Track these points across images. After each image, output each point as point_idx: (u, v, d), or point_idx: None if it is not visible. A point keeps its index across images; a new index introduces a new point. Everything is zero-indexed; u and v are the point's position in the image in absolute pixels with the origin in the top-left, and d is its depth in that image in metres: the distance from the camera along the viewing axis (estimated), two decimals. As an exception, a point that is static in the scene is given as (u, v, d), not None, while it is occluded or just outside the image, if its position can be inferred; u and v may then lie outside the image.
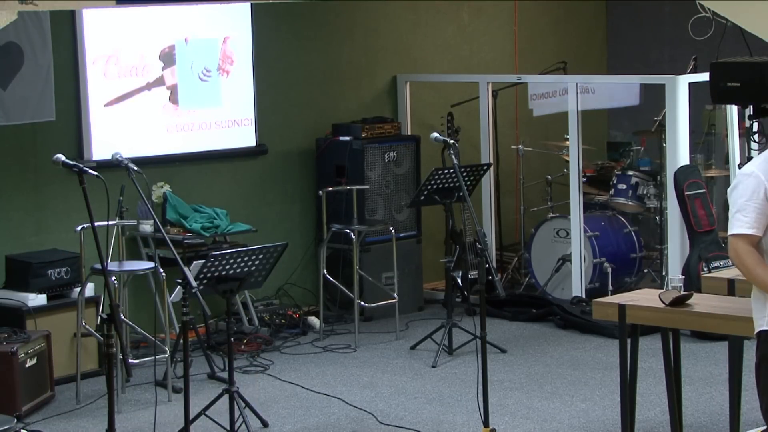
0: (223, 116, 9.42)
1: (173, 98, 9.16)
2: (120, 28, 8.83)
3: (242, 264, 6.61)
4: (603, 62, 11.91)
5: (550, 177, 10.30)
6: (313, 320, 9.33)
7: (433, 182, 8.46)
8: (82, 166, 5.56)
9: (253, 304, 9.10)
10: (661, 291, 5.98)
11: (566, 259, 9.74)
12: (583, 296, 9.51)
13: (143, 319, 8.22)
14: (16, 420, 6.73)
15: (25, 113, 8.34)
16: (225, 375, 7.39)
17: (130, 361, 7.61)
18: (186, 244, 8.64)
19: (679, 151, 9.01)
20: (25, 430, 6.88)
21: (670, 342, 6.11)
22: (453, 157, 6.87)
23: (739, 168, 7.01)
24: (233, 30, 9.42)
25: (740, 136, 9.22)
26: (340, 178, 9.60)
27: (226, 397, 6.79)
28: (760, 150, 8.00)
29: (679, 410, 6.22)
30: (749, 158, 8.37)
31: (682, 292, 5.84)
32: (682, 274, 8.19)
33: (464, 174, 8.62)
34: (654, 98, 10.06)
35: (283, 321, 9.21)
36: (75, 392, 7.67)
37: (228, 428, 6.78)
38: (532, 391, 7.69)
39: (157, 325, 7.85)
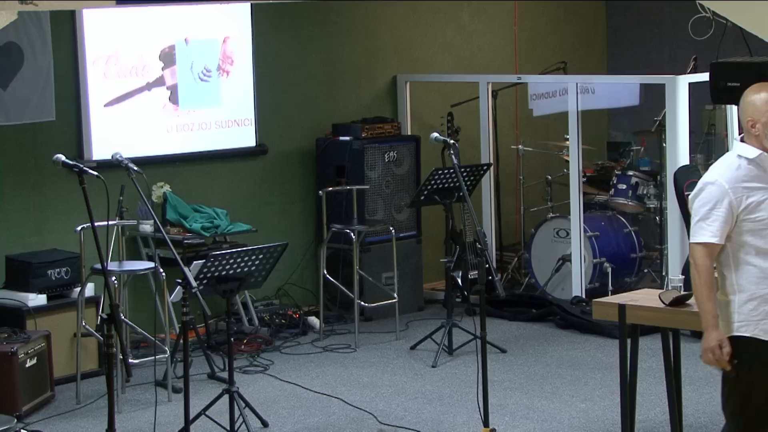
0: (223, 116, 9.42)
1: (173, 98, 9.16)
2: (120, 28, 8.83)
3: (242, 264, 6.61)
4: (603, 62, 11.92)
5: (550, 177, 10.30)
6: (313, 320, 9.33)
7: (433, 182, 8.45)
8: (82, 166, 5.56)
9: (253, 304, 9.10)
10: (661, 291, 5.98)
11: (566, 259, 9.73)
12: (583, 296, 9.51)
13: (143, 319, 8.22)
14: (16, 420, 6.75)
15: (25, 113, 8.34)
16: (225, 375, 7.38)
17: (130, 361, 7.61)
18: (186, 244, 8.64)
19: (679, 151, 9.01)
20: (25, 430, 6.89)
21: (670, 342, 6.12)
22: (453, 157, 6.86)
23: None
24: (233, 30, 9.42)
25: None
26: (340, 178, 9.60)
27: (226, 397, 6.79)
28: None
29: (679, 410, 6.22)
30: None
31: (682, 292, 5.84)
32: (682, 274, 8.18)
33: (464, 174, 8.61)
34: (654, 98, 10.06)
35: (283, 321, 9.21)
36: (75, 392, 7.67)
37: (228, 428, 6.78)
38: (532, 391, 7.69)
39: (157, 325, 7.84)
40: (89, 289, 7.96)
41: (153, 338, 7.61)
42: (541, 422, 7.09)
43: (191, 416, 6.53)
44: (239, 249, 6.70)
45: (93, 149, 8.69)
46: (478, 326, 6.45)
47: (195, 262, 6.64)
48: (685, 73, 9.39)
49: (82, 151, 8.67)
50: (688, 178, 8.90)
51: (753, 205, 4.96)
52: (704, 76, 8.07)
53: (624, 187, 9.93)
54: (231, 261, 6.56)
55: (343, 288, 9.20)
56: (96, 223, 5.44)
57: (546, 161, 10.71)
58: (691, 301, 5.82)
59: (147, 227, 8.49)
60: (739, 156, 5.04)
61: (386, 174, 9.75)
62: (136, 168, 6.27)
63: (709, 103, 9.12)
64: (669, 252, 9.19)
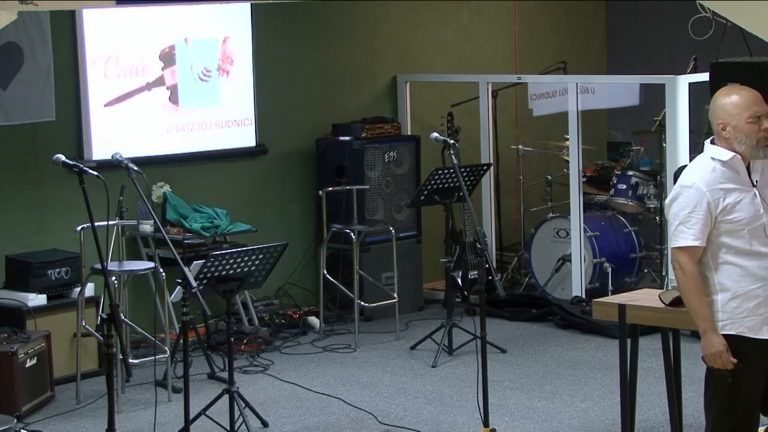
0: (223, 116, 9.42)
1: (173, 98, 9.16)
2: (120, 28, 8.83)
3: (242, 264, 6.61)
4: (603, 62, 11.92)
5: (550, 177, 10.30)
6: (313, 320, 9.33)
7: (433, 182, 8.45)
8: (82, 166, 5.56)
9: (253, 304, 9.10)
10: (661, 291, 5.98)
11: (566, 259, 9.74)
12: (583, 296, 9.51)
13: (143, 319, 8.22)
14: (16, 420, 6.75)
15: (25, 113, 8.34)
16: (225, 375, 7.39)
17: (130, 361, 7.61)
18: (186, 244, 8.64)
19: (679, 151, 9.01)
20: (25, 430, 6.89)
21: (670, 342, 6.11)
22: (453, 157, 6.86)
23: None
24: (233, 30, 9.42)
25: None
26: (340, 178, 9.60)
27: (226, 397, 6.79)
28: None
29: (679, 410, 6.22)
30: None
31: (682, 293, 5.84)
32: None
33: (464, 174, 8.61)
34: (654, 98, 10.06)
35: (283, 321, 9.21)
36: (75, 392, 7.67)
37: (228, 428, 6.78)
38: (532, 391, 7.69)
39: (157, 325, 7.84)
40: (89, 289, 7.96)
41: (153, 338, 7.61)
42: (541, 422, 7.09)
43: (191, 416, 6.53)
44: (239, 249, 6.70)
45: (93, 149, 8.69)
46: (478, 326, 6.45)
47: (195, 262, 6.64)
48: (685, 73, 9.40)
49: (82, 151, 8.67)
50: (688, 178, 8.90)
51: (729, 206, 5.02)
52: (704, 76, 8.07)
53: (624, 187, 9.93)
54: (231, 261, 6.56)
55: (343, 288, 9.20)
56: (96, 223, 5.44)
57: (546, 161, 10.71)
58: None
59: (147, 227, 8.49)
60: (713, 158, 5.11)
61: (386, 174, 9.75)
62: (136, 168, 6.28)
63: (709, 103, 9.10)
64: (669, 252, 9.17)
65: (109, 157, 6.52)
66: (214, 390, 7.32)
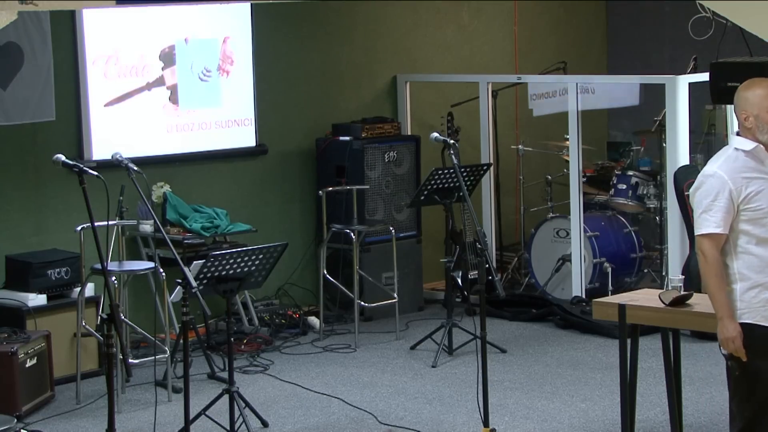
0: (223, 116, 9.42)
1: (173, 98, 9.16)
2: (120, 28, 8.83)
3: (242, 264, 6.61)
4: (603, 62, 11.91)
5: (550, 177, 10.30)
6: (313, 320, 9.33)
7: (433, 182, 8.45)
8: (82, 166, 5.56)
9: (253, 304, 9.10)
10: (661, 291, 5.98)
11: (566, 259, 9.73)
12: (583, 296, 9.51)
13: (143, 319, 8.22)
14: (16, 420, 6.75)
15: (25, 113, 8.34)
16: (225, 375, 7.39)
17: (130, 361, 7.61)
18: (186, 244, 8.64)
19: (679, 151, 9.01)
20: (25, 430, 6.89)
21: (670, 342, 6.12)
22: (453, 157, 6.86)
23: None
24: (233, 30, 9.42)
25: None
26: (340, 178, 9.60)
27: (226, 397, 6.79)
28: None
29: (679, 410, 6.22)
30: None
31: (682, 292, 5.85)
32: (682, 274, 8.19)
33: (464, 174, 8.61)
34: (654, 98, 10.06)
35: (283, 321, 9.21)
36: (75, 392, 7.67)
37: (228, 428, 6.78)
38: (532, 391, 7.69)
39: (157, 325, 7.84)
40: (89, 289, 7.96)
41: (153, 338, 7.61)
42: (541, 422, 7.09)
43: (191, 416, 6.53)
44: (239, 249, 6.70)
45: (93, 149, 8.69)
46: (478, 326, 6.45)
47: (195, 262, 6.64)
48: (685, 73, 9.39)
49: (82, 151, 8.67)
50: (688, 178, 8.90)
51: (752, 194, 5.17)
52: (704, 76, 8.08)
53: (624, 187, 9.93)
54: (231, 261, 6.56)
55: (343, 288, 9.19)
56: (96, 223, 5.44)
57: (546, 161, 10.71)
58: (691, 301, 5.83)
59: (147, 227, 8.49)
60: (736, 149, 5.27)
61: (386, 174, 9.75)
62: (136, 168, 6.28)
63: (709, 103, 9.12)
64: (669, 252, 9.19)
65: (109, 157, 6.52)
66: (214, 390, 7.32)
